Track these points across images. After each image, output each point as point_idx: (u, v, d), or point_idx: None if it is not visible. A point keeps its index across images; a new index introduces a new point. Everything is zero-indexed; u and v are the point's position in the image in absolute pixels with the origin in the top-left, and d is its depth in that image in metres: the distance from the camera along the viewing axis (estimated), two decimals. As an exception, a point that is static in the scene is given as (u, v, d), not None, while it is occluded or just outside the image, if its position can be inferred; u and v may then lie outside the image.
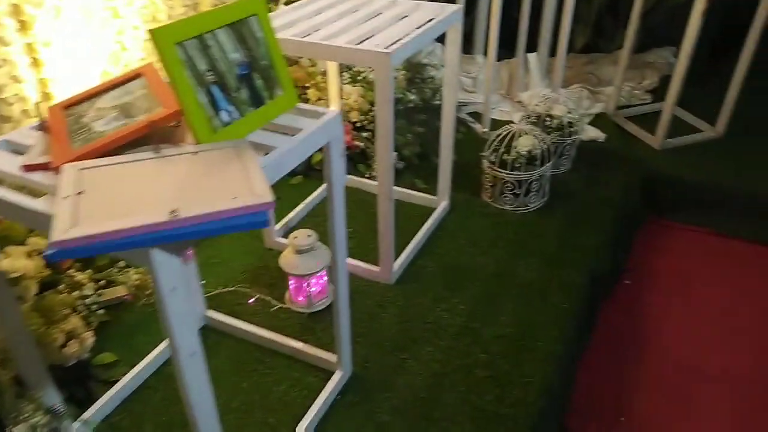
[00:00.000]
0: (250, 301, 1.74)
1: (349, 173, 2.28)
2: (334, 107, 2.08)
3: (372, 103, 2.29)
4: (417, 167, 2.32)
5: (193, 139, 0.93)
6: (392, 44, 1.44)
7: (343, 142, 1.15)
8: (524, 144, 2.07)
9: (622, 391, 1.77)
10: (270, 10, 1.73)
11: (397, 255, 1.85)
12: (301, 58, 2.31)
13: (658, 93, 2.92)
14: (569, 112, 2.32)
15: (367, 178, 2.26)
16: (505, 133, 2.12)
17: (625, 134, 2.63)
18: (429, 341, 1.60)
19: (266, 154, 0.98)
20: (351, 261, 1.83)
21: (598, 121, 2.72)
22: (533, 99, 2.84)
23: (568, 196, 2.21)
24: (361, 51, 1.40)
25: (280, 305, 1.71)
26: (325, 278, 1.69)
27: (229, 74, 0.98)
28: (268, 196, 0.79)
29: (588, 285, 1.84)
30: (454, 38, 1.76)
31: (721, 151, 2.49)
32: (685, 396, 1.75)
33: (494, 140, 2.14)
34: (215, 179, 0.82)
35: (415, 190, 2.20)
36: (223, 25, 0.98)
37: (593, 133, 2.59)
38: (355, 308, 1.67)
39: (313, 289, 1.66)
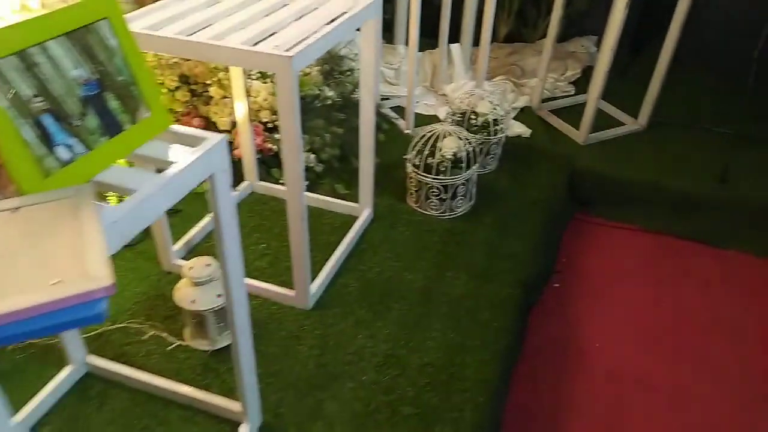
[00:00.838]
0: (144, 338, 1.50)
1: (261, 179, 2.05)
2: (240, 106, 1.84)
3: (284, 102, 2.06)
4: (337, 171, 2.12)
5: (16, 189, 0.69)
6: (296, 45, 1.23)
7: (230, 174, 0.94)
8: (449, 146, 1.91)
9: (557, 407, 1.67)
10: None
11: (316, 274, 1.66)
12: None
13: (581, 84, 2.84)
14: (494, 109, 2.18)
15: (281, 184, 2.04)
16: (429, 134, 1.95)
17: (550, 129, 2.53)
18: (350, 376, 1.42)
19: (122, 200, 0.76)
20: (263, 285, 1.62)
21: (522, 115, 2.61)
22: (457, 91, 2.69)
23: (496, 199, 2.08)
24: (258, 54, 1.18)
25: (179, 342, 1.48)
26: (231, 310, 1.47)
27: (67, 97, 0.75)
28: (105, 278, 0.57)
29: (519, 297, 1.71)
30: (371, 34, 1.56)
31: (644, 145, 2.43)
32: (619, 409, 1.67)
33: (418, 142, 1.97)
34: (36, 252, 0.60)
35: (335, 197, 2.01)
36: (58, 34, 0.74)
37: (519, 129, 2.48)
38: (266, 342, 1.47)
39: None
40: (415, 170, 1.93)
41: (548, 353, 1.81)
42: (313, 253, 1.72)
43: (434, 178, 1.90)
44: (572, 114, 2.56)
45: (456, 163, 1.92)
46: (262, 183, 2.04)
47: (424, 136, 1.96)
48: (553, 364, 1.79)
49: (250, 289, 1.62)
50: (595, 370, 1.78)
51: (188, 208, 1.95)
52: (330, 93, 2.21)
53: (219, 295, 1.39)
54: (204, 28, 1.28)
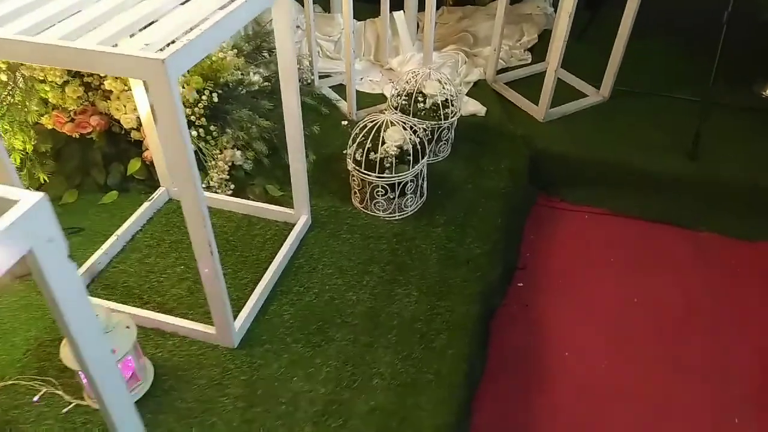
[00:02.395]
0: (35, 399, 1.23)
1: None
2: (144, 100, 1.52)
3: (202, 91, 1.75)
4: (269, 168, 1.83)
5: None
6: (173, 42, 0.93)
7: (62, 244, 0.66)
8: (393, 138, 1.64)
9: (526, 428, 1.48)
10: None
11: (243, 303, 1.40)
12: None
13: (538, 51, 2.59)
14: (444, 89, 1.91)
15: (205, 188, 1.75)
16: (370, 124, 1.68)
17: (507, 104, 2.28)
18: (283, 433, 1.18)
19: None
20: (179, 322, 1.35)
21: (476, 90, 2.35)
22: (404, 65, 2.41)
23: (450, 192, 1.83)
24: (120, 57, 0.88)
25: (76, 402, 1.22)
26: (133, 362, 1.20)
27: None
28: None
29: (478, 313, 1.49)
30: (284, 19, 1.26)
31: (608, 119, 2.21)
32: (596, 425, 1.49)
33: (358, 134, 1.69)
34: None
35: (268, 201, 1.73)
36: None
37: (473, 107, 2.22)
38: (182, 394, 1.22)
39: (116, 381, 1.17)
40: (357, 167, 1.67)
41: (513, 367, 1.61)
42: (240, 275, 1.46)
43: (378, 177, 1.64)
44: (530, 86, 2.32)
45: (402, 157, 1.66)
46: (182, 189, 1.74)
47: (365, 126, 1.69)
48: (519, 379, 1.59)
49: (165, 327, 1.36)
50: (565, 382, 1.59)
51: (94, 224, 1.65)
52: (255, 77, 1.90)
53: (113, 351, 1.12)
54: (51, 26, 0.96)
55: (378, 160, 1.63)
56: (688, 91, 2.31)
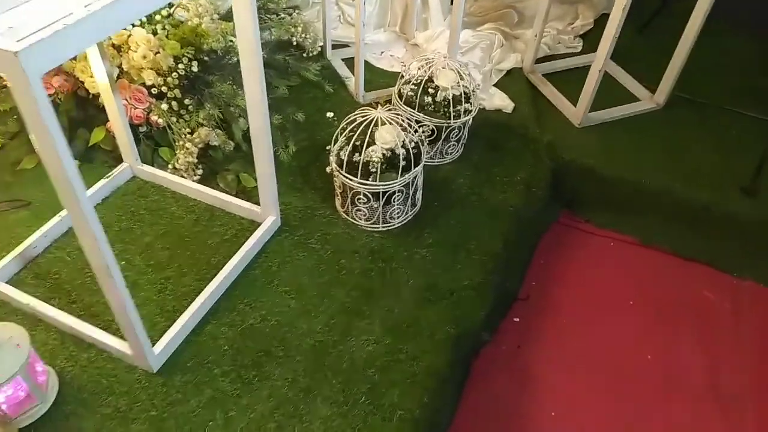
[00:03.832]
0: (-74, 403, 1.10)
1: (146, 161, 1.57)
2: (101, 65, 1.31)
3: (179, 59, 1.53)
4: (248, 154, 1.60)
5: None
6: (37, 32, 0.71)
7: None
8: (383, 139, 1.39)
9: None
10: None
11: (176, 316, 1.22)
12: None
13: (592, 38, 2.23)
14: (460, 82, 1.62)
15: (172, 171, 1.55)
16: (360, 119, 1.43)
17: (540, 101, 1.97)
18: (182, 491, 1.01)
19: None
20: (99, 334, 1.18)
21: (509, 80, 2.04)
22: (432, 41, 2.11)
23: (448, 204, 1.58)
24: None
25: (-33, 417, 1.08)
26: (24, 383, 1.04)
27: None
28: None
29: (448, 363, 1.26)
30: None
31: (657, 133, 1.87)
32: None
33: (345, 128, 1.45)
34: None
35: (239, 193, 1.53)
36: None
37: (499, 101, 1.92)
38: (80, 424, 1.05)
39: (3, 406, 1.02)
40: (338, 168, 1.43)
41: (484, 423, 1.39)
42: (184, 281, 1.27)
43: (360, 183, 1.40)
44: (573, 80, 1.98)
45: (392, 161, 1.41)
46: (147, 167, 1.55)
47: (353, 121, 1.44)
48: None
49: (84, 336, 1.19)
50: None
51: (47, 198, 1.48)
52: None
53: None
54: None
55: (361, 163, 1.39)
56: (762, 108, 1.93)
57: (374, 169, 1.39)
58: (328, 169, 1.43)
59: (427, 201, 1.56)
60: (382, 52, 2.13)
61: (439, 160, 1.70)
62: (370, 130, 1.40)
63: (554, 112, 1.92)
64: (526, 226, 1.66)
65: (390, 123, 1.41)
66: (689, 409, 1.43)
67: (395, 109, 1.47)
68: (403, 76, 1.68)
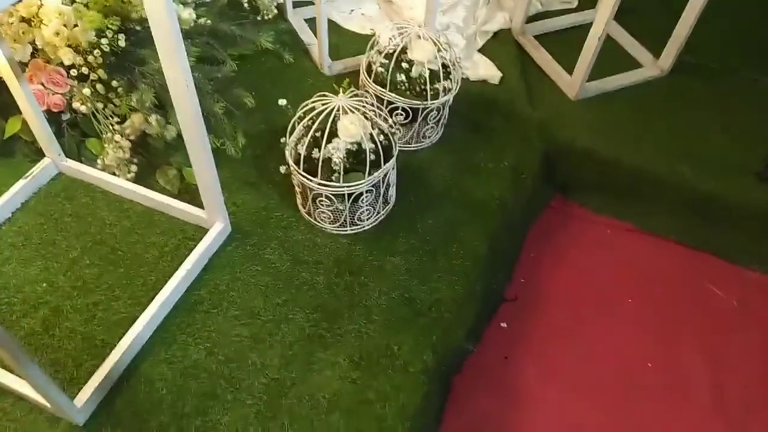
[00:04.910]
0: None
1: (73, 154, 1.34)
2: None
3: (102, 32, 1.28)
4: (216, 125, 1.38)
5: None
6: None
7: None
8: (347, 132, 1.18)
9: None
10: None
11: (104, 354, 1.04)
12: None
13: (590, -8, 1.98)
14: (439, 53, 1.39)
15: (102, 168, 1.33)
16: (320, 108, 1.21)
17: (531, 70, 1.74)
18: None
19: None
20: (13, 380, 1.00)
21: (496, 44, 1.80)
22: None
23: (426, 200, 1.38)
24: None
25: None
26: None
27: None
28: None
29: (431, 395, 1.10)
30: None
31: (659, 105, 1.66)
32: None
33: (302, 117, 1.23)
34: None
35: (183, 190, 1.32)
36: None
37: (484, 71, 1.69)
38: None
39: None
40: (294, 167, 1.22)
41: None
42: (115, 306, 1.09)
43: (320, 184, 1.20)
44: (569, 43, 1.75)
45: (358, 156, 1.20)
46: (73, 162, 1.33)
47: (312, 108, 1.22)
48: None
49: (-5, 381, 1.01)
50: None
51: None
52: (186, 13, 1.40)
53: None
54: None
55: (321, 159, 1.18)
56: (779, 74, 1.73)
57: (336, 168, 1.18)
58: (282, 169, 1.22)
59: (401, 195, 1.36)
60: (351, 11, 1.88)
61: (416, 144, 1.49)
62: (332, 118, 1.19)
63: (547, 83, 1.70)
64: (515, 218, 1.48)
65: (355, 112, 1.19)
66: (692, 424, 1.30)
67: (362, 93, 1.25)
68: (372, 46, 1.44)
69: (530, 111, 1.60)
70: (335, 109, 1.18)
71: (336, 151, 1.16)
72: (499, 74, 1.67)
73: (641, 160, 1.55)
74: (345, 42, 1.75)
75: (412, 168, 1.43)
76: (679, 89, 1.70)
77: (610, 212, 1.65)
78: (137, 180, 1.32)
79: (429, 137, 1.49)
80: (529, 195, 1.53)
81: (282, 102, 1.22)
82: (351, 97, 1.22)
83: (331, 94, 1.20)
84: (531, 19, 1.85)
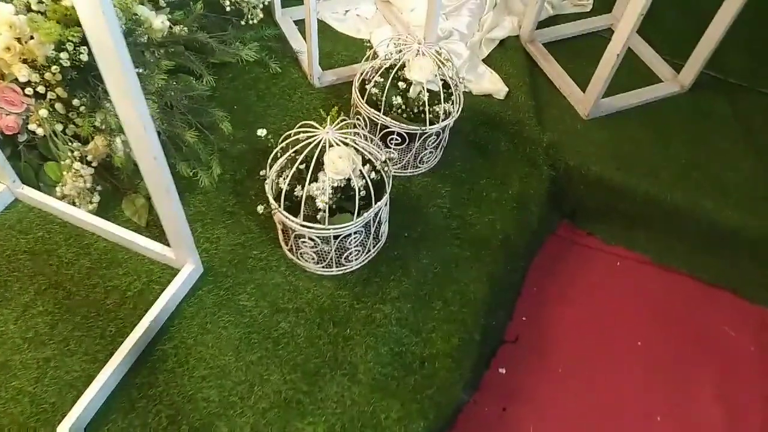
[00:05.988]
0: None
1: (30, 180, 1.20)
2: None
3: (62, 45, 1.12)
4: (188, 153, 1.23)
5: None
6: None
7: None
8: (336, 168, 1.03)
9: None
10: None
11: (54, 421, 0.91)
12: None
13: (605, -5, 1.82)
14: (443, 66, 1.23)
15: (65, 197, 1.18)
16: (305, 140, 1.06)
17: (540, 84, 1.58)
18: None
19: None
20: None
21: (503, 52, 1.64)
22: (404, 0, 1.70)
23: (421, 236, 1.24)
24: None
25: None
26: None
27: None
28: None
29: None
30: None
31: (677, 127, 1.51)
32: None
33: (285, 149, 1.08)
34: None
35: (152, 222, 1.17)
36: None
37: (489, 84, 1.53)
38: None
39: None
40: (275, 204, 1.08)
41: None
42: (69, 362, 0.96)
43: (303, 225, 1.06)
44: (581, 52, 1.61)
45: (346, 193, 1.06)
46: (29, 190, 1.18)
47: (296, 140, 1.07)
48: None
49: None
50: None
51: None
52: (159, 21, 1.24)
53: None
54: None
55: (304, 197, 1.04)
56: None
57: (322, 207, 1.04)
58: (260, 209, 1.08)
59: (394, 230, 1.22)
60: (346, 11, 1.71)
61: (412, 170, 1.34)
62: (318, 150, 1.04)
63: (557, 99, 1.54)
64: (518, 253, 1.35)
65: (346, 146, 1.04)
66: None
67: (354, 118, 1.10)
68: (367, 60, 1.28)
69: (538, 132, 1.45)
70: (321, 143, 1.03)
71: (321, 193, 1.01)
72: (505, 89, 1.52)
73: (657, 187, 1.40)
74: (338, 48, 1.59)
75: (408, 197, 1.29)
76: (701, 108, 1.55)
77: (621, 242, 1.51)
78: (102, 208, 1.18)
79: (427, 162, 1.35)
80: (535, 226, 1.39)
81: (261, 132, 1.07)
82: (341, 123, 1.07)
83: (316, 125, 1.05)
84: (541, 24, 1.69)
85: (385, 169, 1.09)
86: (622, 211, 1.47)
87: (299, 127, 1.07)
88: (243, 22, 1.46)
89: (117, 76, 0.75)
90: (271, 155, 1.08)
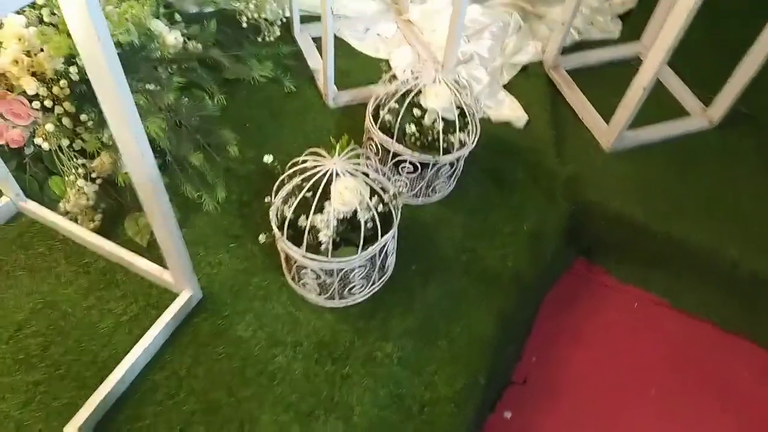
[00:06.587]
0: None
1: (34, 193, 1.16)
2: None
3: (71, 59, 1.09)
4: (175, 183, 1.19)
5: None
6: None
7: None
8: (342, 199, 0.98)
9: None
10: None
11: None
12: None
13: (634, 21, 1.74)
14: (459, 93, 1.17)
15: (68, 214, 1.14)
16: (311, 170, 1.00)
17: (562, 113, 1.51)
18: None
19: None
20: None
21: (524, 78, 1.57)
22: (429, 20, 1.64)
23: (430, 268, 1.18)
24: None
25: None
26: None
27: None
28: None
29: None
30: None
31: (704, 166, 1.43)
32: None
33: (291, 177, 1.03)
34: None
35: (150, 248, 1.13)
36: None
37: (509, 112, 1.47)
38: None
39: None
40: (278, 232, 1.02)
41: None
42: (57, 390, 0.91)
43: (305, 256, 1.00)
44: (607, 81, 1.53)
45: (353, 224, 1.00)
46: (33, 205, 1.15)
47: (303, 168, 1.02)
48: None
49: None
50: None
51: None
52: (172, 37, 1.20)
53: None
54: None
55: (308, 228, 0.98)
56: None
57: (325, 240, 0.99)
58: (262, 238, 1.03)
59: (402, 262, 1.16)
60: (366, 30, 1.66)
61: (424, 199, 1.28)
62: (325, 180, 0.99)
63: (579, 129, 1.47)
64: (530, 289, 1.28)
65: (354, 176, 0.99)
66: None
67: (366, 145, 1.05)
68: (383, 82, 1.23)
69: (558, 164, 1.38)
70: (328, 173, 0.98)
71: (325, 226, 0.96)
72: (525, 117, 1.45)
73: (680, 228, 1.32)
74: (356, 67, 1.54)
75: (417, 227, 1.23)
76: (729, 146, 1.47)
77: (638, 282, 1.43)
78: (105, 225, 1.14)
79: (440, 191, 1.28)
80: (549, 262, 1.31)
81: (267, 159, 1.02)
82: (351, 152, 1.02)
83: (324, 153, 0.99)
84: (566, 50, 1.62)
85: (394, 202, 1.03)
86: (641, 249, 1.39)
87: (307, 154, 1.01)
88: (260, 39, 1.41)
89: (113, 103, 0.71)
90: (278, 181, 1.03)
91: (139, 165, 0.80)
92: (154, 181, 0.83)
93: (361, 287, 1.09)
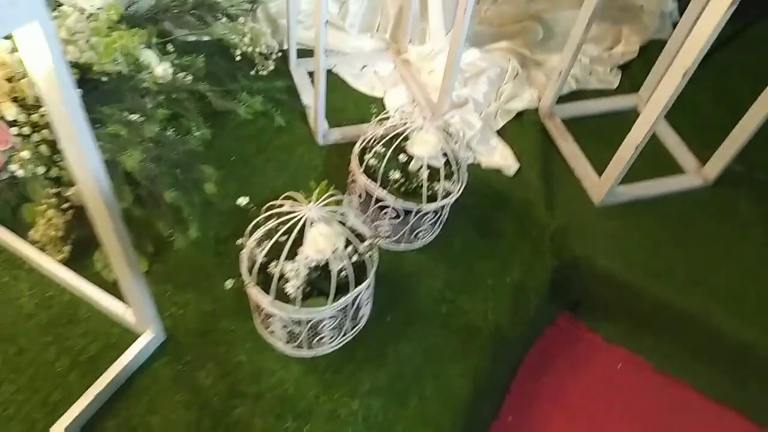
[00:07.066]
0: None
1: (3, 222, 1.12)
2: None
3: (52, 85, 1.05)
4: (146, 218, 1.15)
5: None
6: None
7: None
8: (316, 244, 0.93)
9: None
10: None
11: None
12: None
13: (633, 72, 1.70)
14: (448, 143, 1.13)
15: (36, 243, 1.10)
16: (285, 216, 0.96)
17: (554, 163, 1.46)
18: None
19: None
20: None
21: (518, 125, 1.53)
22: (429, 59, 1.61)
23: (406, 319, 1.12)
24: None
25: None
26: None
27: None
28: None
29: None
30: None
31: (700, 229, 1.37)
32: None
33: (263, 222, 0.98)
34: None
35: (113, 290, 1.08)
36: None
37: (500, 159, 1.42)
38: None
39: None
40: (247, 276, 0.97)
41: None
42: (9, 428, 0.85)
43: (273, 303, 0.95)
44: (601, 132, 1.49)
45: (324, 271, 0.95)
46: (2, 231, 1.10)
47: (279, 215, 0.97)
48: None
49: None
50: None
51: None
52: (161, 68, 1.17)
53: None
54: None
55: (275, 278, 0.93)
56: None
57: (293, 290, 0.93)
58: (229, 283, 0.97)
59: (377, 311, 1.11)
60: (363, 67, 1.62)
61: (406, 245, 1.23)
62: (300, 225, 0.94)
63: (570, 181, 1.42)
64: (511, 346, 1.22)
65: (328, 224, 0.94)
66: None
67: (351, 185, 1.00)
68: (373, 123, 1.19)
69: (547, 215, 1.33)
70: (303, 219, 0.93)
71: (294, 276, 0.91)
72: (516, 165, 1.41)
73: (669, 291, 1.27)
74: (351, 104, 1.50)
75: (397, 275, 1.18)
76: (725, 206, 1.42)
77: (624, 342, 1.37)
78: (74, 256, 1.10)
79: (422, 238, 1.23)
80: (532, 318, 1.26)
81: (242, 201, 0.97)
82: (328, 198, 0.97)
83: (299, 199, 0.95)
84: (563, 99, 1.58)
85: (369, 253, 0.98)
86: (628, 309, 1.33)
87: (283, 198, 0.97)
88: (252, 73, 1.38)
89: (74, 138, 0.67)
90: (252, 223, 0.98)
91: (102, 208, 0.76)
92: (115, 222, 0.78)
93: (332, 338, 1.03)
